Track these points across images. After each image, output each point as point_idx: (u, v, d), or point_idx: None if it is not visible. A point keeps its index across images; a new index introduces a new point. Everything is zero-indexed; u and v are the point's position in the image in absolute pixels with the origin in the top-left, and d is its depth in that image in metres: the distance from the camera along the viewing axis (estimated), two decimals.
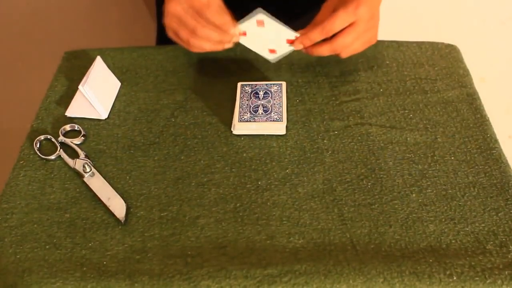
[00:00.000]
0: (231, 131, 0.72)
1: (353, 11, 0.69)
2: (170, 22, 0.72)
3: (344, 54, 0.74)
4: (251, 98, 0.74)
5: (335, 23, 0.69)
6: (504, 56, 1.42)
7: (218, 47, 0.73)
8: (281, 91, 0.75)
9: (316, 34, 0.71)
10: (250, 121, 0.71)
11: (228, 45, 0.73)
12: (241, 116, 0.72)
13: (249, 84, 0.76)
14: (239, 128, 0.72)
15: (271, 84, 0.76)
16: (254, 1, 0.75)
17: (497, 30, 1.36)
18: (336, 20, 0.69)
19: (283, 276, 0.56)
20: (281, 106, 0.72)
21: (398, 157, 0.68)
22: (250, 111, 0.72)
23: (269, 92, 0.75)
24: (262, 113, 0.72)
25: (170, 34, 0.74)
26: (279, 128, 0.71)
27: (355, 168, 0.67)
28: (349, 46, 0.72)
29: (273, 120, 0.71)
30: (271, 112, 0.72)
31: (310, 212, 0.62)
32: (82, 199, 0.65)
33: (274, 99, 0.74)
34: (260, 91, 0.75)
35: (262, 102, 0.73)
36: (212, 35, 0.71)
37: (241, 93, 0.75)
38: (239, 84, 0.76)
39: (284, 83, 0.76)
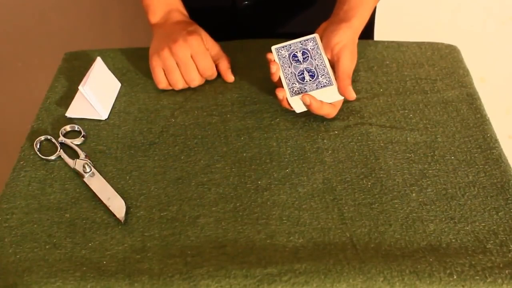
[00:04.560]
0: (231, 131, 0.72)
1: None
2: (168, 58, 0.75)
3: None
4: (292, 63, 0.71)
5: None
6: (504, 56, 1.42)
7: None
8: (318, 47, 0.71)
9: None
10: (301, 92, 0.69)
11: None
12: (291, 89, 0.69)
13: (283, 46, 0.73)
14: (295, 103, 0.70)
15: (304, 40, 0.72)
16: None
17: (497, 30, 1.36)
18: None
19: (283, 275, 0.56)
20: (325, 66, 0.70)
21: (398, 156, 0.68)
22: (297, 80, 0.70)
23: (307, 51, 0.72)
24: (309, 80, 0.69)
25: (156, 64, 0.76)
26: (332, 94, 0.69)
27: (355, 167, 0.67)
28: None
29: (324, 86, 0.69)
30: (318, 75, 0.69)
31: (310, 211, 0.62)
32: (82, 199, 0.65)
33: (314, 59, 0.71)
34: (297, 52, 0.72)
35: (305, 66, 0.70)
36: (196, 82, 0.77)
37: (279, 60, 0.72)
38: (273, 48, 0.73)
39: (317, 35, 0.73)
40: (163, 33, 0.78)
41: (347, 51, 0.70)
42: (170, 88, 0.78)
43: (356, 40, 0.73)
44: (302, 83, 0.70)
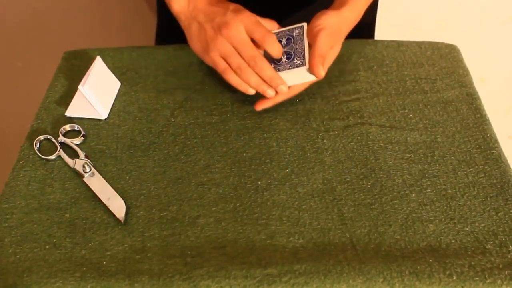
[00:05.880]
0: (231, 131, 0.72)
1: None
2: (222, 43, 0.69)
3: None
4: None
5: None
6: (504, 56, 1.42)
7: (260, 88, 0.70)
8: (302, 34, 0.71)
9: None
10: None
11: (270, 93, 0.70)
12: None
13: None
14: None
15: (292, 28, 0.73)
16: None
17: (497, 30, 1.36)
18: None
19: (283, 276, 0.56)
20: (303, 50, 0.70)
21: (398, 157, 0.68)
22: (273, 61, 0.70)
23: (291, 38, 0.72)
24: (285, 61, 0.69)
25: (215, 54, 0.70)
26: (303, 74, 0.69)
27: (355, 167, 0.67)
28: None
29: (296, 66, 0.68)
30: (294, 58, 0.69)
31: (310, 211, 0.62)
32: (82, 199, 0.65)
33: (296, 44, 0.71)
34: (282, 38, 0.72)
35: (285, 50, 0.71)
36: (267, 71, 0.69)
37: None
38: None
39: (305, 24, 0.72)
40: (201, 21, 0.72)
41: (324, 33, 0.69)
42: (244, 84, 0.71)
43: (343, 29, 0.73)
44: (277, 64, 0.70)
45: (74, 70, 0.83)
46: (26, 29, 1.36)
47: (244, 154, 0.70)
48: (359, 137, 0.71)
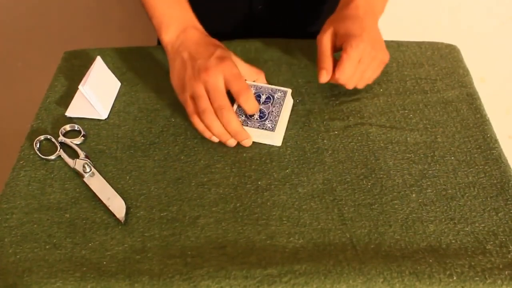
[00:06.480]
0: None
1: (356, 53, 0.69)
2: (197, 86, 0.68)
3: (362, 85, 0.75)
4: None
5: (345, 72, 0.70)
6: (504, 56, 1.42)
7: (222, 137, 0.69)
8: (283, 100, 0.71)
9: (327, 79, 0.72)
10: (242, 125, 0.69)
11: (231, 143, 0.70)
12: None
13: (253, 85, 0.73)
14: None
15: (276, 89, 0.73)
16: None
17: (497, 30, 1.36)
18: (346, 70, 0.69)
19: (283, 276, 0.56)
20: (278, 115, 0.70)
21: (398, 157, 0.68)
22: (245, 114, 0.70)
23: (271, 98, 0.72)
24: (257, 119, 0.70)
25: (188, 95, 0.69)
26: (270, 138, 0.70)
27: (355, 168, 0.67)
28: (362, 78, 0.73)
29: (266, 129, 0.69)
30: (266, 119, 0.70)
31: (310, 212, 0.62)
32: (82, 199, 0.65)
33: (274, 106, 0.71)
34: (262, 94, 0.72)
35: (261, 107, 0.71)
36: (232, 123, 0.67)
37: None
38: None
39: (289, 91, 0.73)
40: (185, 58, 0.72)
41: (322, 36, 0.71)
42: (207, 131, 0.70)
43: (347, 14, 0.72)
44: (248, 118, 0.70)
45: (74, 70, 0.83)
46: (26, 29, 1.36)
47: (244, 154, 0.70)
48: (359, 137, 0.71)
